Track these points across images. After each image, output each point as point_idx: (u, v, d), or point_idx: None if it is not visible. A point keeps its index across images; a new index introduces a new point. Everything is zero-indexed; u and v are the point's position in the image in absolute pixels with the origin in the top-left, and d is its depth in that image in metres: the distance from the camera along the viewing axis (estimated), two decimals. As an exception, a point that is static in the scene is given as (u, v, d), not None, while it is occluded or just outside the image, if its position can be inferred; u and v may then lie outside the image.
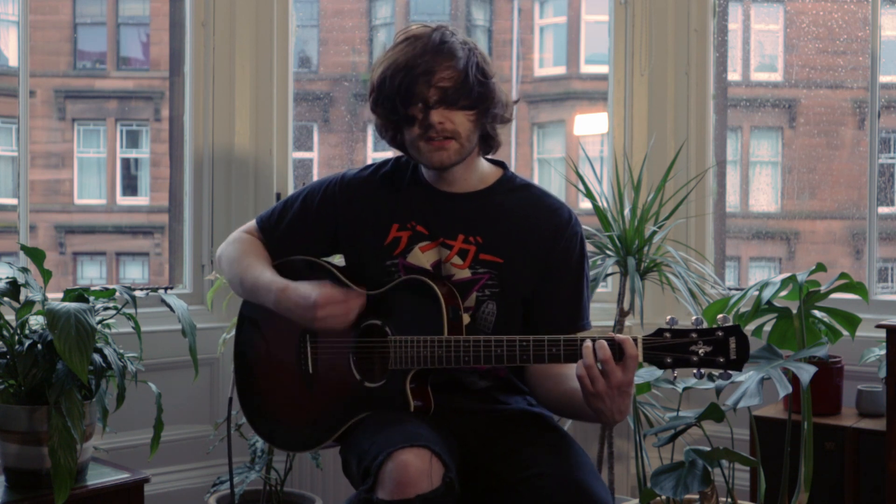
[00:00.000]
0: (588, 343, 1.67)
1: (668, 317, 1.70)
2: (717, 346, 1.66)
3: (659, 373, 2.48)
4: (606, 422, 1.72)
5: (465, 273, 1.89)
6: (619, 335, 1.68)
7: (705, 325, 1.68)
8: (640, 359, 1.67)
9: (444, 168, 1.88)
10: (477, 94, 1.83)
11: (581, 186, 2.95)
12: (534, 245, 1.90)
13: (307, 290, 1.85)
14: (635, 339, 1.67)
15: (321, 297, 1.82)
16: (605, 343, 1.66)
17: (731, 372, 1.66)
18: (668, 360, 1.67)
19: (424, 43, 1.83)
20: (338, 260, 2.10)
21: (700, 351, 1.66)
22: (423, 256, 1.91)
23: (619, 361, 1.65)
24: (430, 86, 1.81)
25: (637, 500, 2.66)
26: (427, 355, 1.80)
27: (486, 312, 1.89)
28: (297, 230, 2.02)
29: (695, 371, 1.67)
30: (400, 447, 1.63)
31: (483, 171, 1.96)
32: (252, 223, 2.09)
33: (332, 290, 1.84)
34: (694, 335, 1.67)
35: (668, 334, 1.68)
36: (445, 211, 1.92)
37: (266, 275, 1.94)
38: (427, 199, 1.93)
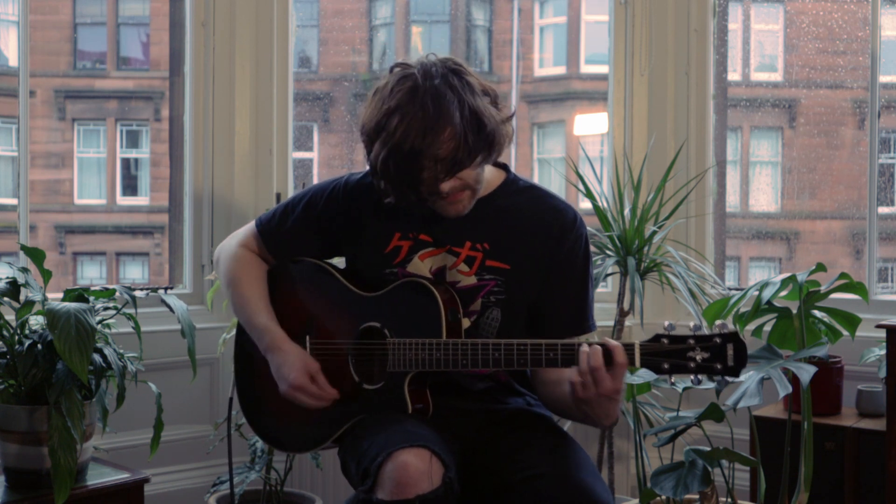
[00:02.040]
0: (584, 349, 1.67)
1: (666, 322, 1.70)
2: (714, 352, 1.66)
3: (659, 373, 2.48)
4: (595, 425, 1.74)
5: (471, 280, 1.88)
6: (611, 341, 1.68)
7: (704, 332, 1.67)
8: (637, 364, 1.67)
9: (459, 216, 1.86)
10: (478, 149, 1.76)
11: (581, 186, 2.95)
12: (539, 247, 1.89)
13: (291, 363, 1.88)
14: (633, 345, 1.67)
15: (296, 382, 1.86)
16: (598, 350, 1.66)
17: (728, 379, 1.66)
18: (666, 367, 1.67)
19: (413, 116, 1.71)
20: (336, 261, 2.10)
21: (697, 357, 1.66)
22: (422, 265, 1.90)
23: (609, 369, 1.66)
24: (435, 162, 1.72)
25: (637, 500, 2.66)
26: (425, 358, 1.79)
27: (490, 318, 1.88)
28: (299, 234, 2.01)
29: (692, 377, 1.67)
30: (399, 447, 1.63)
31: (485, 175, 1.95)
32: (251, 226, 2.08)
33: (308, 382, 1.87)
34: (691, 341, 1.66)
35: (665, 340, 1.67)
36: (450, 219, 1.91)
37: (261, 318, 1.96)
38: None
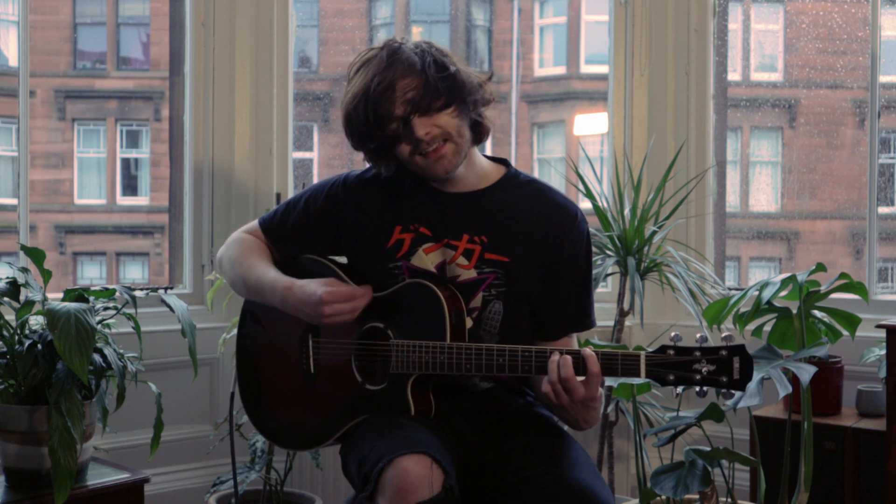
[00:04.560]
0: (554, 358, 1.70)
1: (672, 333, 1.69)
2: (720, 365, 1.65)
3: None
4: (576, 428, 1.80)
5: (471, 273, 1.88)
6: (586, 350, 1.70)
7: (710, 344, 1.67)
8: (642, 376, 1.67)
9: (449, 175, 1.87)
10: (445, 89, 1.81)
11: (581, 186, 2.95)
12: (540, 242, 1.89)
13: (313, 287, 1.84)
14: (638, 356, 1.67)
15: (327, 295, 1.81)
16: (569, 360, 1.68)
17: (733, 392, 1.66)
18: (671, 378, 1.67)
19: (376, 64, 1.82)
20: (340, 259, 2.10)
21: (703, 370, 1.66)
22: (426, 258, 1.90)
23: (583, 377, 1.69)
24: (395, 101, 1.79)
25: (637, 500, 2.66)
26: (429, 361, 1.79)
27: (492, 312, 1.88)
28: (300, 231, 2.01)
29: (697, 390, 1.67)
30: (400, 453, 1.63)
31: (484, 168, 1.95)
32: (254, 224, 2.09)
33: (338, 287, 1.83)
34: (697, 353, 1.66)
35: (671, 351, 1.67)
36: (449, 211, 1.91)
37: (270, 273, 1.94)
38: (430, 200, 1.93)
